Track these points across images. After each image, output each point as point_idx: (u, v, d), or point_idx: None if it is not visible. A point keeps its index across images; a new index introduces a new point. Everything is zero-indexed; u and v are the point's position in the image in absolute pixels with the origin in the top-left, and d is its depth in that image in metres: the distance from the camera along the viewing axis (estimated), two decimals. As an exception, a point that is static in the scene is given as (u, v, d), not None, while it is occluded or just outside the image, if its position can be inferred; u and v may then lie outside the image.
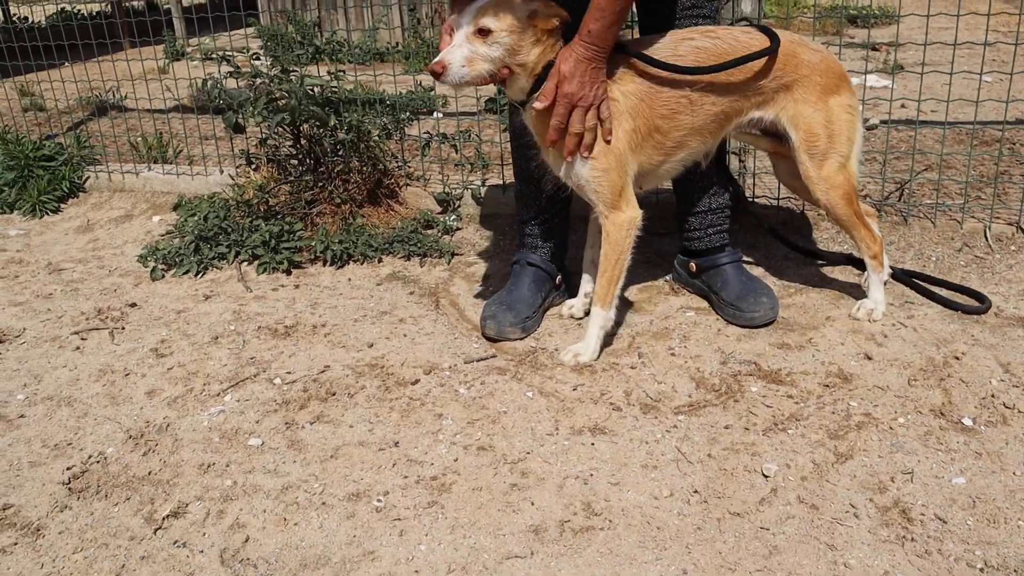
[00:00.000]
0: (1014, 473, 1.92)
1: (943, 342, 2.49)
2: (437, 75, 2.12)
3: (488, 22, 2.12)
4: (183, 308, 2.99)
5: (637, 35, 2.64)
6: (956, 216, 3.27)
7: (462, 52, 2.13)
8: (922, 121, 4.03)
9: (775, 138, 2.62)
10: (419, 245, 3.27)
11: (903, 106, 4.72)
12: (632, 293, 2.88)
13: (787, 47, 2.43)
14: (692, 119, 2.40)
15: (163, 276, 3.28)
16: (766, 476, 1.95)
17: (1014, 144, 4.31)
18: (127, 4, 11.01)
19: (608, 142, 2.29)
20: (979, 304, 2.68)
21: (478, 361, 2.50)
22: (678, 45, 2.34)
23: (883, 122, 4.39)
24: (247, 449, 2.16)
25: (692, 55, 2.33)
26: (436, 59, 2.13)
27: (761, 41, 2.40)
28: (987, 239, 3.14)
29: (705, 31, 2.39)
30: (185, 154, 4.62)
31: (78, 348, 2.77)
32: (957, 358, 2.40)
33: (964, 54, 4.92)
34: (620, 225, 2.38)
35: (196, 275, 3.26)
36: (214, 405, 2.36)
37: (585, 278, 2.70)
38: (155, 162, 4.53)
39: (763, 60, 2.37)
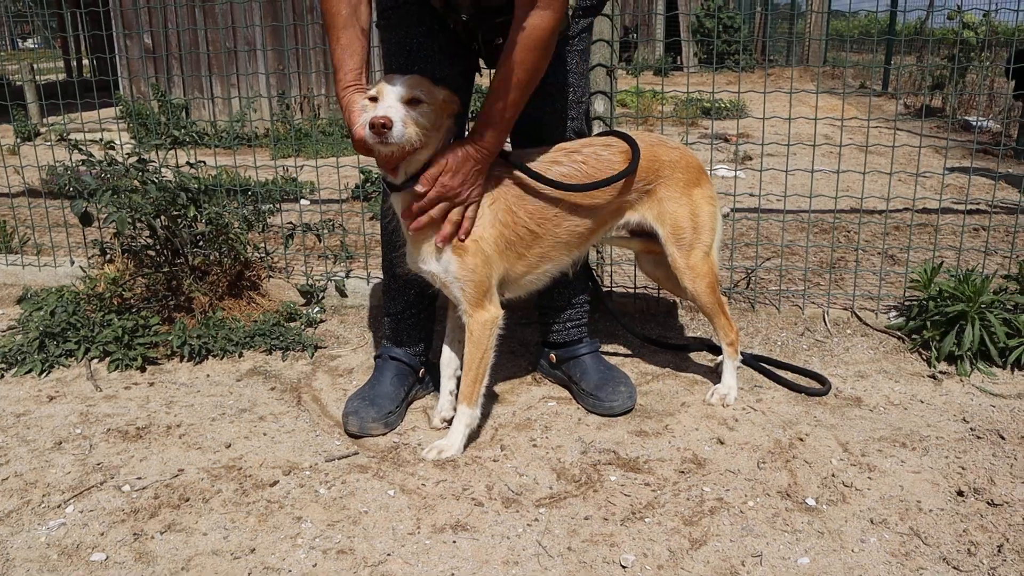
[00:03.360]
0: (852, 550, 2.02)
1: (789, 424, 2.63)
2: (383, 129, 2.12)
3: (420, 93, 2.21)
4: (24, 411, 2.81)
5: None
6: (798, 302, 3.49)
7: (400, 113, 2.16)
8: (764, 209, 4.31)
9: (644, 237, 2.74)
10: (281, 339, 3.21)
11: (752, 195, 5.05)
12: (495, 384, 2.91)
13: (647, 151, 2.56)
14: (560, 232, 2.50)
15: (2, 376, 3.08)
16: (624, 567, 1.98)
17: (848, 231, 4.66)
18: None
19: (462, 239, 2.35)
20: (821, 386, 2.85)
21: (339, 459, 2.46)
22: (548, 168, 2.44)
23: (732, 210, 4.67)
24: (89, 565, 2.03)
25: (559, 180, 2.44)
26: (378, 114, 2.13)
27: (623, 153, 2.53)
28: (826, 324, 3.36)
29: (571, 152, 2.49)
30: (32, 243, 4.40)
31: (-99, 459, 2.56)
32: (801, 439, 2.53)
33: (806, 148, 5.32)
34: (483, 324, 2.42)
35: (40, 374, 3.08)
36: (53, 518, 2.21)
37: (445, 375, 2.68)
38: (-2, 251, 4.31)
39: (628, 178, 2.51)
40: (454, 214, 2.31)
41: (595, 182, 2.46)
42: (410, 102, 2.20)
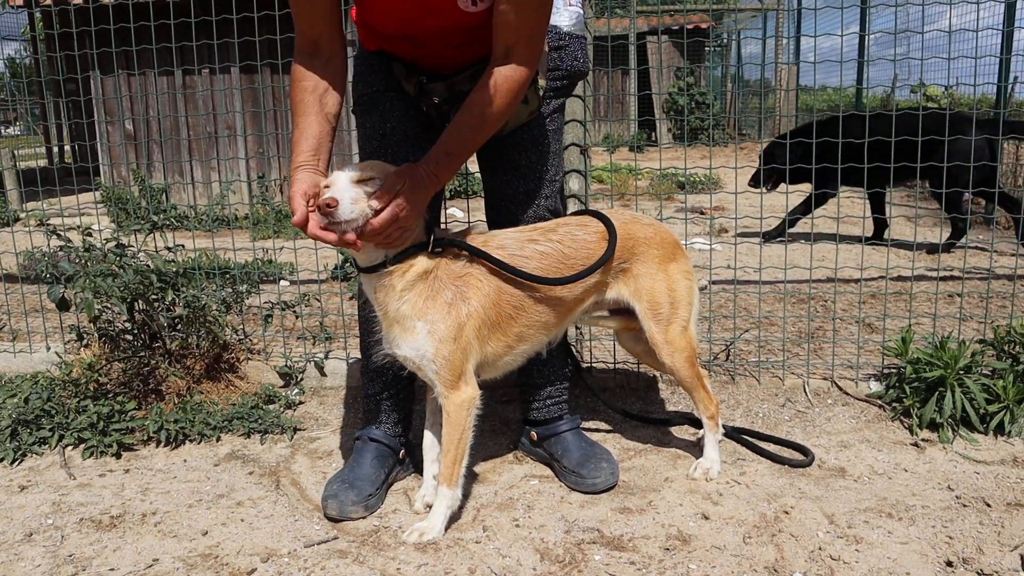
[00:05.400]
0: (843, 627, 1.99)
1: (773, 497, 2.60)
2: (329, 209, 2.13)
3: (372, 172, 2.24)
4: (-6, 503, 2.75)
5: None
6: (778, 373, 3.50)
7: (349, 193, 2.17)
8: (741, 281, 4.36)
9: (623, 315, 2.75)
10: (260, 421, 3.17)
11: (728, 267, 5.10)
12: (477, 463, 2.87)
13: (622, 229, 2.59)
14: (539, 312, 2.51)
15: (-27, 467, 3.02)
16: (611, 650, 1.93)
17: (825, 301, 4.71)
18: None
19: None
20: (804, 457, 2.84)
21: (318, 544, 2.40)
22: (524, 247, 2.47)
23: (709, 282, 4.71)
24: (57, 664, 1.96)
25: (536, 260, 2.46)
26: (326, 196, 2.15)
27: (597, 232, 2.56)
28: (807, 394, 3.37)
29: (546, 231, 2.53)
30: (8, 328, 4.36)
31: None
32: (787, 512, 2.51)
33: (779, 219, 5.39)
34: (460, 405, 2.41)
35: (12, 463, 3.01)
36: (21, 614, 2.14)
37: (428, 459, 2.64)
38: (-27, 339, 4.26)
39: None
40: (396, 236, 2.28)
41: (576, 274, 2.49)
42: (361, 181, 2.22)
